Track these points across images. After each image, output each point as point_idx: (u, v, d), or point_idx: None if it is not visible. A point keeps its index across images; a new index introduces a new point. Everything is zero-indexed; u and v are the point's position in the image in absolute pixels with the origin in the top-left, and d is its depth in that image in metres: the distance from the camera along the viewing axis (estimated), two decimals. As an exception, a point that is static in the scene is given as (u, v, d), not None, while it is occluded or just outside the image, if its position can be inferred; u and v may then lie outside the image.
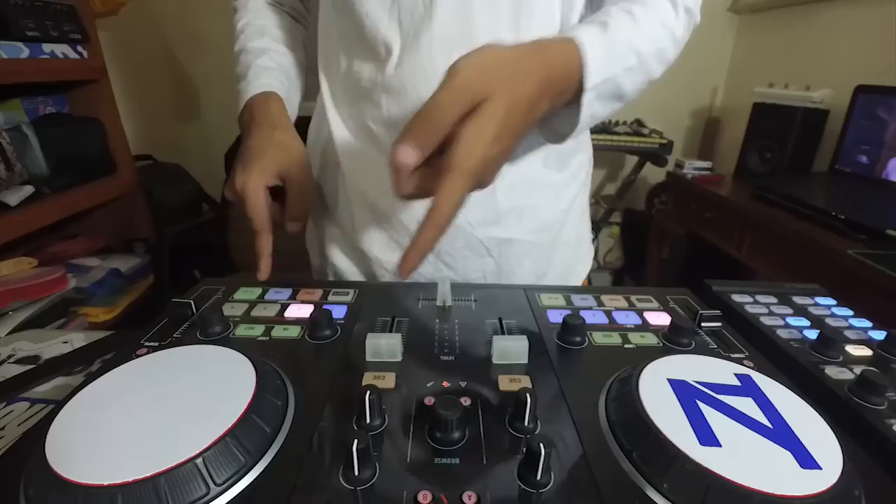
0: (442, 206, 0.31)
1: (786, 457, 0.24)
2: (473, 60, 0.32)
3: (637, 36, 0.41)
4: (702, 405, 0.27)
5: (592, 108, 0.39)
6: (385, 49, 0.47)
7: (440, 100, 0.31)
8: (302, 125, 0.60)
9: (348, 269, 0.60)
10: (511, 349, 0.34)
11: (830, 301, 0.46)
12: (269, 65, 0.55)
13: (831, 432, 0.26)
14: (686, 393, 0.28)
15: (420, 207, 0.50)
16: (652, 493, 0.24)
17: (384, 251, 0.56)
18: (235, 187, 0.46)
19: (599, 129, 1.74)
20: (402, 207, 0.53)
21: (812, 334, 0.38)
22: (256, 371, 0.29)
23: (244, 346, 0.32)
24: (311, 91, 0.61)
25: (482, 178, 0.33)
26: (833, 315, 0.43)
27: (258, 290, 0.44)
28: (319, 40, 0.56)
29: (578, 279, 0.64)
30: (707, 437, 0.25)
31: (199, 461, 0.23)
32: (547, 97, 0.36)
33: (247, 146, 0.48)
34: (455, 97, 0.31)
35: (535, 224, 0.55)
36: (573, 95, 0.39)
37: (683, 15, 0.45)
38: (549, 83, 0.36)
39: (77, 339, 0.57)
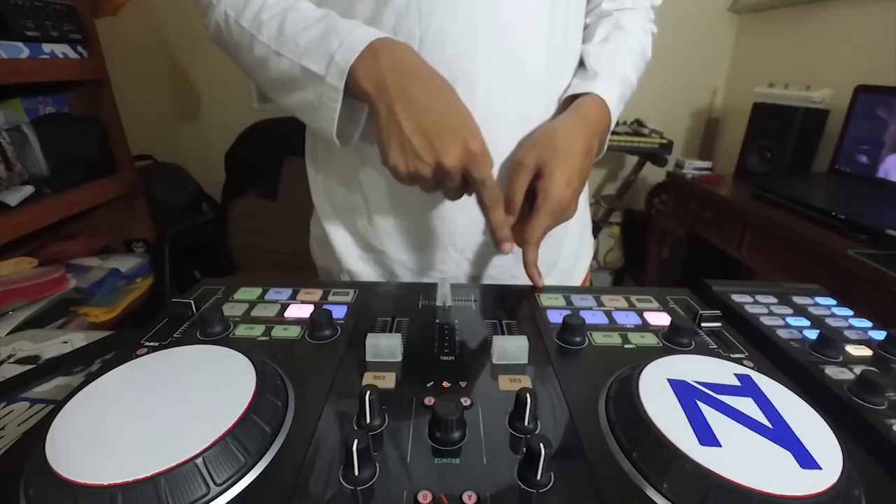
0: (531, 235, 0.45)
1: (786, 457, 0.24)
2: (523, 144, 0.48)
3: (632, 73, 0.55)
4: (702, 405, 0.28)
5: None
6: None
7: (511, 180, 0.46)
8: (295, 124, 0.60)
9: (363, 271, 0.58)
10: (511, 349, 0.34)
11: (830, 301, 0.46)
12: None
13: (831, 432, 0.26)
14: (686, 393, 0.28)
15: (441, 204, 0.51)
16: (652, 493, 0.24)
17: (405, 251, 0.56)
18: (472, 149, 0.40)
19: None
20: (424, 205, 0.52)
21: (812, 334, 0.38)
22: (256, 371, 0.29)
23: (244, 346, 0.32)
24: None
25: (565, 213, 0.47)
26: (833, 315, 0.43)
27: (258, 290, 0.44)
28: None
29: (585, 265, 0.67)
30: (707, 437, 0.25)
31: (199, 461, 0.23)
32: (596, 141, 0.50)
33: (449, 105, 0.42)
34: (517, 172, 0.46)
35: None
36: None
37: (651, 36, 0.59)
38: (595, 133, 0.49)
39: (77, 339, 0.57)
